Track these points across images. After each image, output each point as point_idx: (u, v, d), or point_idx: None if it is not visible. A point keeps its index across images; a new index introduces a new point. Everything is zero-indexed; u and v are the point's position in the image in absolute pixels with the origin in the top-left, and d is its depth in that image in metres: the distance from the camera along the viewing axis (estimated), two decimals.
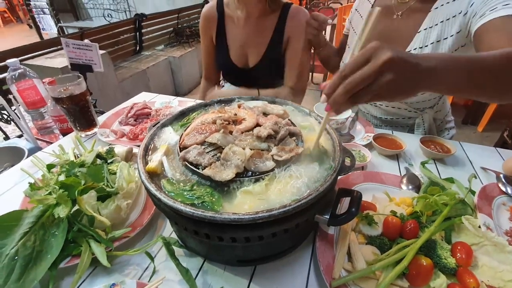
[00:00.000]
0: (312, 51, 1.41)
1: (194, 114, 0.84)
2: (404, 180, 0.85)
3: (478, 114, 3.08)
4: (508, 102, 0.62)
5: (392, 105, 1.18)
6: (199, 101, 0.89)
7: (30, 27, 8.68)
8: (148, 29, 4.14)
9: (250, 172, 0.58)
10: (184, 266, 0.61)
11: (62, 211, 0.63)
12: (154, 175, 0.61)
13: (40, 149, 1.16)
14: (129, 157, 0.94)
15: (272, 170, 0.58)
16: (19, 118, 1.16)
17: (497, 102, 0.71)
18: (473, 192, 0.78)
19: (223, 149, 0.60)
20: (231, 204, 0.54)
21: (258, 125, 0.70)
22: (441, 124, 1.26)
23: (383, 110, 1.23)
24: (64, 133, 1.25)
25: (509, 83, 0.57)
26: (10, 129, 1.84)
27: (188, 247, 0.67)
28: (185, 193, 0.55)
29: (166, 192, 0.55)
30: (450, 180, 0.83)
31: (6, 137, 1.63)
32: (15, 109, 1.19)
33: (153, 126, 0.75)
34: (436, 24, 0.98)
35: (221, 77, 1.64)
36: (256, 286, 0.62)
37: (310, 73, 4.38)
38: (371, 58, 0.46)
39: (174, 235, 0.71)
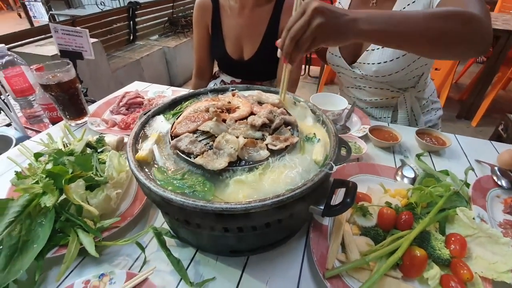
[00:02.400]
0: None
1: (187, 102, 0.81)
2: (399, 172, 0.84)
3: (473, 109, 3.10)
4: (432, 56, 0.81)
5: (375, 86, 1.21)
6: (192, 90, 0.87)
7: (20, 16, 8.42)
8: (142, 18, 4.04)
9: (244, 161, 0.57)
10: (175, 256, 0.60)
11: (48, 200, 0.61)
12: (145, 164, 0.59)
13: (29, 138, 1.13)
14: (120, 146, 0.92)
15: (266, 159, 0.56)
16: (7, 107, 1.12)
17: (426, 54, 0.82)
18: (467, 185, 0.77)
19: (216, 137, 0.59)
20: (224, 193, 0.52)
21: (252, 113, 0.68)
22: (426, 103, 1.28)
23: (367, 92, 1.25)
24: (54, 122, 1.22)
25: (424, 36, 0.65)
26: (0, 118, 1.80)
27: (180, 238, 0.66)
28: (175, 182, 0.53)
29: (156, 181, 0.53)
30: (445, 172, 0.83)
31: None
32: (4, 99, 1.15)
33: (144, 114, 0.73)
34: (404, 7, 1.02)
35: (216, 68, 1.61)
36: (249, 276, 0.61)
37: (307, 66, 4.34)
38: (305, 11, 0.59)
39: (166, 226, 0.70)
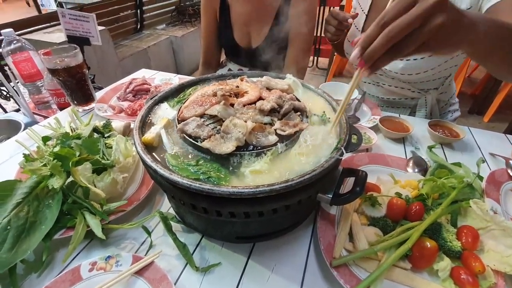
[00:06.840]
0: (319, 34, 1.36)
1: (192, 88, 0.80)
2: (410, 163, 0.82)
3: (485, 104, 3.01)
4: None
5: (395, 84, 1.15)
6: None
7: (28, 4, 8.43)
8: (149, 6, 4.00)
9: (252, 146, 0.55)
10: (181, 241, 0.60)
11: (56, 182, 0.61)
12: (152, 148, 0.58)
13: (37, 123, 1.13)
14: (126, 132, 0.91)
15: (275, 144, 0.55)
16: (17, 93, 1.13)
17: None
18: (480, 178, 0.75)
19: (224, 121, 0.57)
20: (241, 183, 0.51)
21: (261, 98, 0.66)
22: (444, 106, 1.23)
23: (386, 90, 1.19)
24: (62, 108, 1.22)
25: None
26: (10, 106, 1.81)
27: (186, 223, 0.65)
28: (190, 168, 0.52)
29: (170, 167, 0.53)
30: (458, 165, 0.80)
31: (5, 112, 1.59)
32: (13, 86, 1.15)
33: (151, 99, 0.72)
34: None
35: (223, 57, 1.59)
36: (255, 263, 0.60)
37: (315, 58, 4.26)
38: (417, 0, 0.40)
39: (172, 211, 0.70)
